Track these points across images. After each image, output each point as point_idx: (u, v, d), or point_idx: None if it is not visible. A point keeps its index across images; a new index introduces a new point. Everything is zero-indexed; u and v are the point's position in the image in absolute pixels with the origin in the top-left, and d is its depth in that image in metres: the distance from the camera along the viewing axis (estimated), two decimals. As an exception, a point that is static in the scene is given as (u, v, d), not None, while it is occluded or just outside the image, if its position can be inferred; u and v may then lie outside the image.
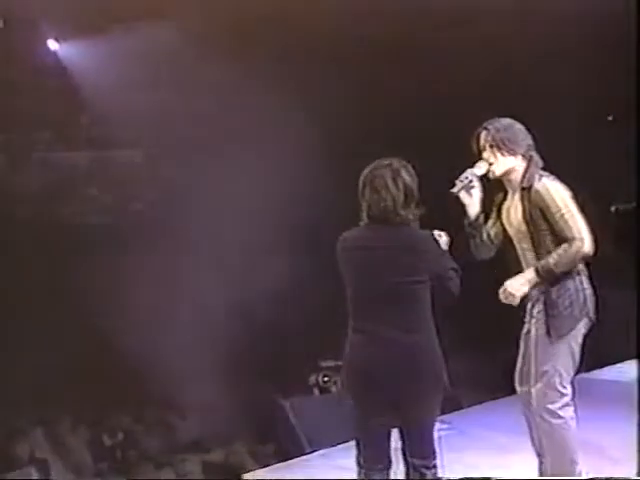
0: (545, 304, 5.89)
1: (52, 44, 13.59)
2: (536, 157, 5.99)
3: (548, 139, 6.31)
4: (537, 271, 5.79)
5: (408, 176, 5.21)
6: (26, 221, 13.68)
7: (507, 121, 6.02)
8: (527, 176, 5.93)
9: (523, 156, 5.97)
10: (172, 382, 11.80)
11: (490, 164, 6.00)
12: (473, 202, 6.06)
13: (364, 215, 5.20)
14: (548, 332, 5.87)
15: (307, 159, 12.43)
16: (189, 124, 13.54)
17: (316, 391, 11.36)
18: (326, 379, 11.30)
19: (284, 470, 7.65)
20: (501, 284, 5.97)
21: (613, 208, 5.40)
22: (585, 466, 6.12)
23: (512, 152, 5.96)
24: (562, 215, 5.79)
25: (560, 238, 5.81)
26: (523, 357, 6.10)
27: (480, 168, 6.03)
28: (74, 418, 11.83)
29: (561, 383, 5.90)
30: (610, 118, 11.96)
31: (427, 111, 12.48)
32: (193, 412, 11.92)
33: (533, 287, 5.88)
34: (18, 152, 14.41)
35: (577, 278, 5.84)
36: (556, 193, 5.84)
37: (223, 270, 12.53)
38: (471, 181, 6.00)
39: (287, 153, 12.50)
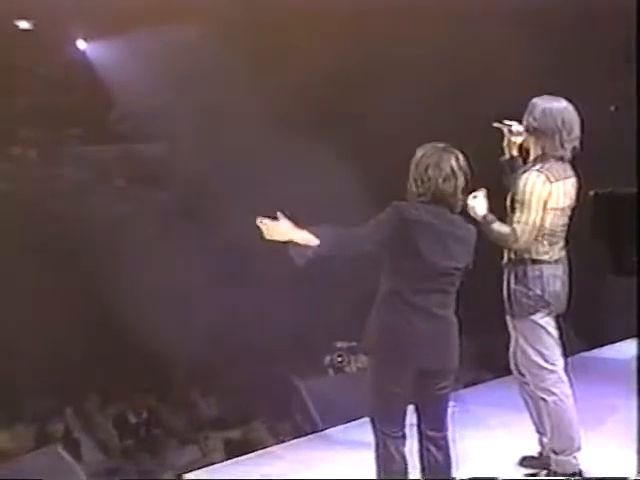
0: (508, 289, 5.98)
1: (81, 43, 13.60)
2: (555, 151, 5.90)
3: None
4: (484, 217, 5.86)
5: (466, 162, 5.22)
6: (58, 213, 13.68)
7: (547, 105, 5.93)
8: (529, 160, 6.03)
9: (537, 139, 5.96)
10: (195, 363, 11.80)
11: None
12: (512, 144, 6.15)
13: (422, 195, 5.15)
14: (512, 314, 6.00)
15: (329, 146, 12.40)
16: (213, 118, 13.51)
17: (331, 371, 11.33)
18: (340, 359, 11.26)
19: (303, 445, 7.62)
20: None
21: (592, 192, 5.35)
22: (586, 443, 6.12)
23: (532, 132, 5.97)
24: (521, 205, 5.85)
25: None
26: (513, 340, 6.13)
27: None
28: (101, 398, 11.84)
29: (547, 361, 5.94)
30: (613, 108, 11.83)
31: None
32: (215, 392, 11.92)
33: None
34: (49, 147, 14.43)
35: (537, 268, 5.90)
36: (528, 184, 5.85)
37: (244, 256, 12.50)
38: (513, 129, 6.11)
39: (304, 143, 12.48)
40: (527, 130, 6.00)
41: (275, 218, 5.09)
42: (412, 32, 11.97)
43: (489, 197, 5.92)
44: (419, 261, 5.06)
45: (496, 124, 6.17)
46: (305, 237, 5.01)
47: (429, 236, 5.07)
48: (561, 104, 5.94)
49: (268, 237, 5.08)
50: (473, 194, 5.79)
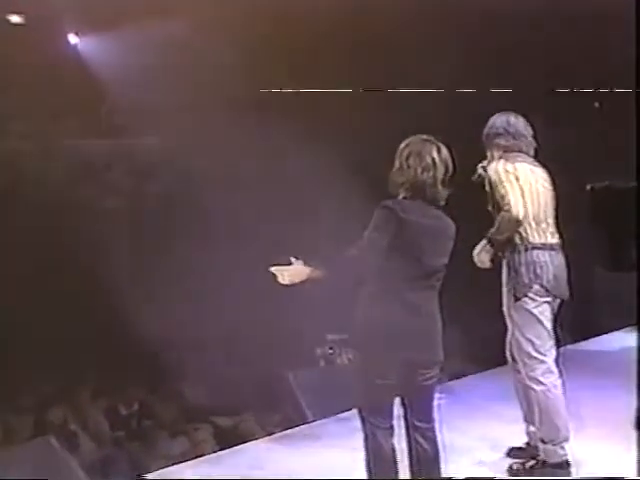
0: (508, 276, 6.07)
1: (72, 38, 13.54)
2: (512, 144, 6.14)
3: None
4: (488, 239, 6.01)
5: (448, 153, 5.16)
6: (50, 205, 13.66)
7: (492, 117, 6.29)
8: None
9: (492, 143, 6.25)
10: (185, 355, 11.79)
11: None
12: None
13: (403, 187, 5.10)
14: (509, 302, 6.07)
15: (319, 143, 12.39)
16: (204, 112, 13.49)
17: (322, 363, 11.34)
18: (331, 351, 11.28)
19: (293, 436, 7.62)
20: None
21: (589, 187, 5.38)
22: (579, 433, 6.14)
23: (489, 140, 6.26)
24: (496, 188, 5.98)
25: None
26: (510, 330, 6.16)
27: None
28: (93, 389, 11.83)
29: (537, 350, 6.01)
30: (597, 105, 11.87)
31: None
32: (205, 383, 11.89)
33: (494, 255, 6.07)
34: (41, 141, 14.39)
35: (529, 254, 5.99)
36: (492, 171, 6.04)
37: (235, 249, 12.50)
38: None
39: (300, 137, 12.47)
40: (486, 142, 6.24)
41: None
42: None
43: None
44: (413, 261, 5.03)
45: (475, 176, 6.26)
46: (318, 274, 4.99)
47: (423, 236, 5.03)
48: (504, 114, 6.26)
49: (283, 282, 5.00)
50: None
